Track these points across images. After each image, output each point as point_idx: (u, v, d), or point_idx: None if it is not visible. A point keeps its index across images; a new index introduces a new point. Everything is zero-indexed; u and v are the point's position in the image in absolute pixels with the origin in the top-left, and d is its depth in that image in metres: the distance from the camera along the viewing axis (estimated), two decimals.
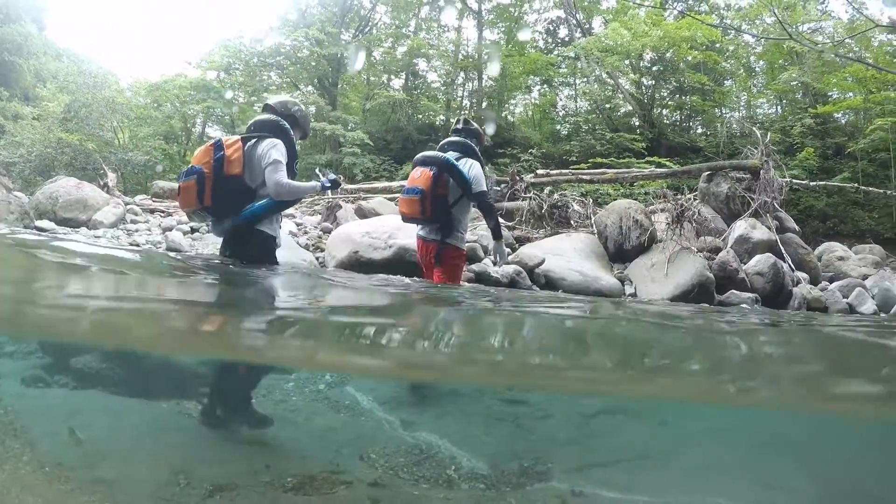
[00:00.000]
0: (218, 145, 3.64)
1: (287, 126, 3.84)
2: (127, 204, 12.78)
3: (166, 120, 22.51)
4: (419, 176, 4.57)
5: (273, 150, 3.62)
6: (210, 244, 10.61)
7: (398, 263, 8.51)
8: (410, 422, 3.64)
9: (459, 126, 4.97)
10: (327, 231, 11.35)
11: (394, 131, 22.20)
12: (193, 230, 11.31)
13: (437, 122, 23.96)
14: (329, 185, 4.06)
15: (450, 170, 4.50)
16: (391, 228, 8.98)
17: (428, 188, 4.47)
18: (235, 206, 3.60)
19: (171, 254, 8.38)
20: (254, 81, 23.35)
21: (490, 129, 15.55)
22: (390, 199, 13.28)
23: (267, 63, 23.32)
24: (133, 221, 11.92)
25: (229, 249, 3.81)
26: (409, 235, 8.22)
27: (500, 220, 4.50)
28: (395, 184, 16.03)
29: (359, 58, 21.90)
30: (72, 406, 3.38)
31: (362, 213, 11.65)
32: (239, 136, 3.72)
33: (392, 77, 24.84)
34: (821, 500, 3.16)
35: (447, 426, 3.73)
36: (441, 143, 4.92)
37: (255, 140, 3.70)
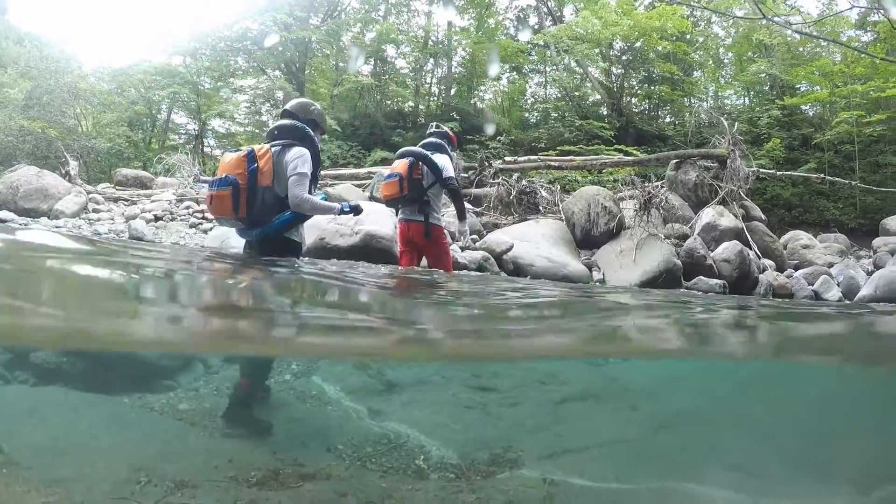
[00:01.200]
0: (251, 157, 3.63)
1: (310, 132, 3.85)
2: (89, 193, 12.44)
3: (130, 106, 21.87)
4: (398, 165, 5.36)
5: (300, 161, 3.65)
6: (173, 233, 10.42)
7: (364, 250, 8.45)
8: (378, 411, 3.60)
9: (433, 130, 5.80)
10: None
11: (362, 117, 21.95)
12: (157, 218, 11.08)
13: (406, 109, 23.78)
14: (349, 210, 4.10)
15: (423, 158, 5.27)
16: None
17: (405, 172, 5.23)
18: (267, 217, 3.64)
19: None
20: (220, 66, 22.86)
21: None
22: (358, 186, 13.15)
23: (234, 48, 22.85)
24: (95, 210, 11.62)
25: (258, 254, 3.83)
26: (375, 222, 8.13)
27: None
28: (362, 170, 15.89)
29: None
30: (30, 403, 3.27)
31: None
32: (268, 146, 3.72)
33: (360, 62, 24.52)
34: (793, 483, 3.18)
35: (415, 415, 3.70)
36: (419, 143, 5.64)
37: (281, 147, 3.73)
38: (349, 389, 3.82)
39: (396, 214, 5.69)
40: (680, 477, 3.04)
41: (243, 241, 3.94)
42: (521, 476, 3.05)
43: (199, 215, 11.47)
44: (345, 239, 8.59)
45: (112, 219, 11.23)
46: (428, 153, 5.32)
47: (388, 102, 23.48)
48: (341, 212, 4.08)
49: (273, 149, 3.70)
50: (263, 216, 3.63)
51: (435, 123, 6.05)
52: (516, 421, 3.80)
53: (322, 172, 15.02)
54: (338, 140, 19.91)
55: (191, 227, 10.96)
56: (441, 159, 5.33)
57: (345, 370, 4.20)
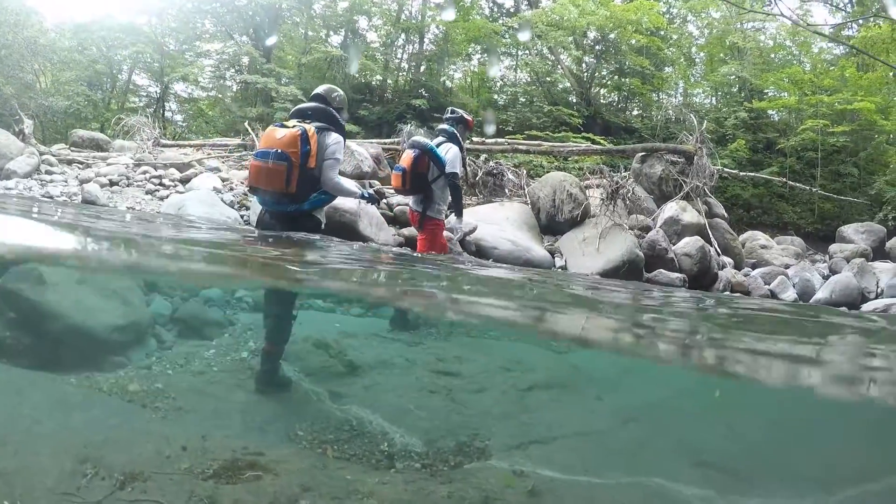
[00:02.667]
0: (304, 138, 3.84)
1: (338, 117, 4.15)
2: (42, 154, 11.90)
3: (91, 65, 20.92)
4: (404, 157, 5.66)
5: (338, 147, 3.98)
6: (129, 198, 10.06)
7: (327, 224, 8.28)
8: (339, 394, 3.47)
9: (448, 116, 6.02)
10: None
11: None
12: (113, 183, 10.67)
13: (374, 83, 23.40)
14: (367, 197, 4.57)
15: (429, 153, 5.50)
16: None
17: (409, 166, 5.50)
18: (307, 194, 3.90)
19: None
20: (187, 28, 22.06)
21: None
22: None
23: (202, 9, 22.06)
24: (48, 172, 11.13)
25: (280, 227, 4.04)
26: None
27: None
28: None
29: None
30: None
31: None
32: (313, 128, 3.91)
33: (331, 33, 23.98)
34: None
35: (377, 399, 3.58)
36: (436, 129, 6.08)
37: (319, 131, 3.96)
38: (309, 370, 3.69)
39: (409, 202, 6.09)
40: (649, 472, 2.99)
41: (258, 209, 4.27)
42: (490, 467, 2.95)
43: (157, 181, 11.08)
44: None
45: (66, 181, 10.77)
46: (433, 147, 5.56)
47: (356, 76, 23.06)
48: (361, 197, 4.50)
49: (318, 133, 3.92)
50: (305, 194, 3.88)
51: (450, 109, 6.26)
52: (482, 408, 3.70)
53: None
54: None
55: (147, 193, 10.58)
56: (447, 151, 5.57)
57: (304, 349, 4.06)
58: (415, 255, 5.89)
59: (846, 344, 3.97)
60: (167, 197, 10.16)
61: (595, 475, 3.04)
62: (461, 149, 5.72)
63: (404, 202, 9.94)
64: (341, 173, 4.28)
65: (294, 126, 3.91)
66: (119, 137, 14.11)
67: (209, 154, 13.94)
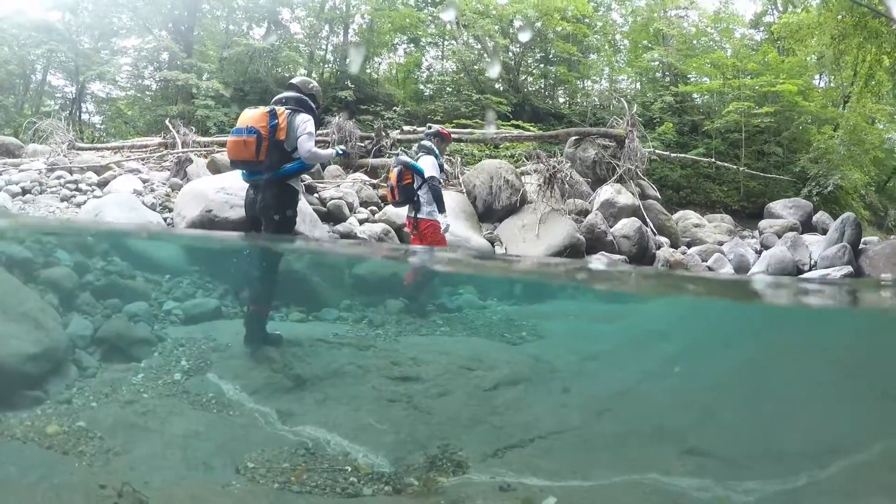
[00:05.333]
0: (273, 114, 4.45)
1: (311, 103, 4.76)
2: None
3: (2, 65, 19.39)
4: (391, 173, 6.66)
5: (308, 124, 4.55)
6: (43, 206, 9.33)
7: (259, 222, 7.86)
8: (289, 413, 3.09)
9: (426, 132, 7.10)
10: (177, 188, 10.27)
11: (252, 82, 20.74)
12: (25, 191, 9.84)
13: (298, 76, 22.71)
14: (341, 153, 5.31)
15: (407, 166, 6.42)
16: None
17: (395, 181, 6.45)
18: (277, 164, 4.45)
19: None
20: (103, 23, 20.81)
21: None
22: None
23: (118, 3, 20.83)
24: None
25: (261, 196, 4.55)
26: None
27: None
28: None
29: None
30: None
31: (215, 168, 10.58)
32: (285, 109, 4.53)
33: (253, 25, 23.15)
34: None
35: (332, 414, 3.24)
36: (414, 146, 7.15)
37: (291, 111, 4.55)
38: (252, 388, 3.29)
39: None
40: (641, 468, 2.77)
41: (246, 184, 4.71)
42: (471, 482, 2.69)
43: (73, 186, 10.30)
44: (235, 210, 7.90)
45: None
46: (411, 161, 6.50)
47: (279, 69, 22.38)
48: (337, 154, 5.28)
49: (287, 111, 4.52)
50: (274, 163, 4.43)
51: (428, 125, 7.63)
52: (449, 414, 3.45)
53: (208, 139, 14.16)
54: (225, 106, 18.67)
55: (62, 200, 9.81)
56: (425, 162, 6.37)
57: (244, 364, 3.69)
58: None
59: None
60: (84, 203, 9.46)
61: (586, 478, 2.80)
62: (437, 157, 6.50)
63: (337, 195, 9.87)
64: None
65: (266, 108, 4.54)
66: (33, 142, 13.14)
67: (128, 156, 13.14)
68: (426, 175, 6.33)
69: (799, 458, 2.84)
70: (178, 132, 13.45)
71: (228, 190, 8.08)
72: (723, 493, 2.68)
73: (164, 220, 8.87)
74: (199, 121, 17.22)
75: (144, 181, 10.67)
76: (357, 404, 3.43)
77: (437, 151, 6.59)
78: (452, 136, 13.96)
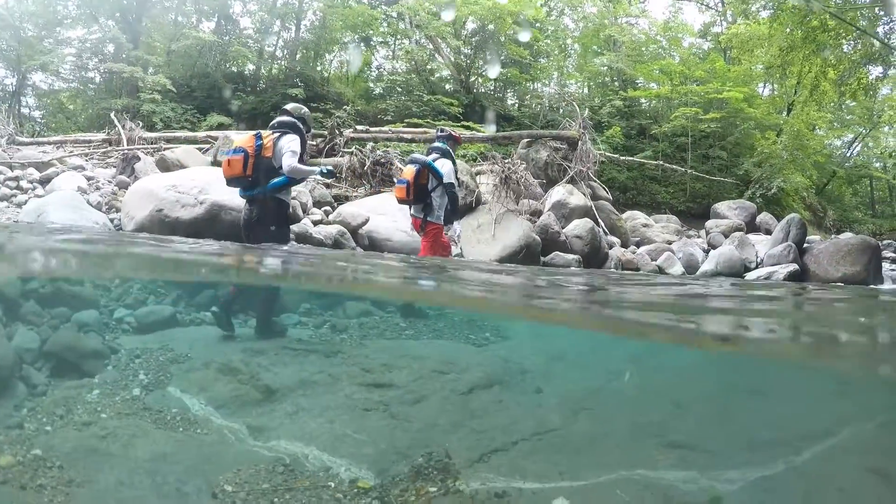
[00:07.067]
0: (258, 136, 5.18)
1: (300, 126, 5.39)
2: None
3: None
4: (406, 171, 6.56)
5: (292, 143, 5.16)
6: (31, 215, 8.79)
7: (211, 223, 7.55)
8: (260, 427, 2.93)
9: (438, 134, 7.04)
10: (124, 186, 9.85)
11: (200, 77, 20.18)
12: None
13: (247, 71, 22.35)
14: (326, 172, 5.52)
15: (428, 167, 6.38)
16: (202, 182, 7.94)
17: (412, 179, 6.36)
18: (265, 179, 5.09)
19: None
20: (47, 11, 19.88)
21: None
22: (200, 149, 11.97)
23: None
24: None
25: (254, 209, 5.20)
26: (225, 190, 6.86)
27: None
28: (200, 134, 14.64)
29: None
30: None
31: (165, 166, 10.23)
32: (272, 132, 5.24)
33: (202, 18, 22.50)
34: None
35: (307, 427, 3.09)
36: (428, 147, 6.98)
37: (279, 134, 5.24)
38: (218, 402, 3.10)
39: (410, 209, 6.77)
40: (628, 464, 2.73)
41: (242, 201, 5.39)
42: (461, 491, 2.57)
43: (13, 184, 9.77)
44: (187, 210, 7.64)
45: None
46: (431, 161, 6.43)
47: (229, 64, 21.84)
48: (321, 173, 5.48)
49: (275, 134, 5.21)
50: (262, 178, 5.08)
51: (440, 128, 7.47)
52: (427, 420, 3.31)
53: (155, 135, 13.68)
54: (172, 101, 18.10)
55: (1, 200, 9.28)
56: (444, 165, 6.42)
57: (207, 375, 3.49)
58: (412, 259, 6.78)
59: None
60: (26, 203, 8.99)
61: (574, 478, 2.75)
62: (453, 162, 6.59)
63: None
64: None
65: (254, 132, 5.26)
66: None
67: (71, 152, 12.56)
68: (445, 181, 6.39)
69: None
70: (123, 127, 12.94)
71: (180, 188, 7.80)
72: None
73: (111, 220, 8.48)
74: (144, 116, 16.62)
75: (89, 179, 10.20)
76: (332, 415, 3.27)
77: (453, 155, 6.66)
78: (405, 136, 14.07)
